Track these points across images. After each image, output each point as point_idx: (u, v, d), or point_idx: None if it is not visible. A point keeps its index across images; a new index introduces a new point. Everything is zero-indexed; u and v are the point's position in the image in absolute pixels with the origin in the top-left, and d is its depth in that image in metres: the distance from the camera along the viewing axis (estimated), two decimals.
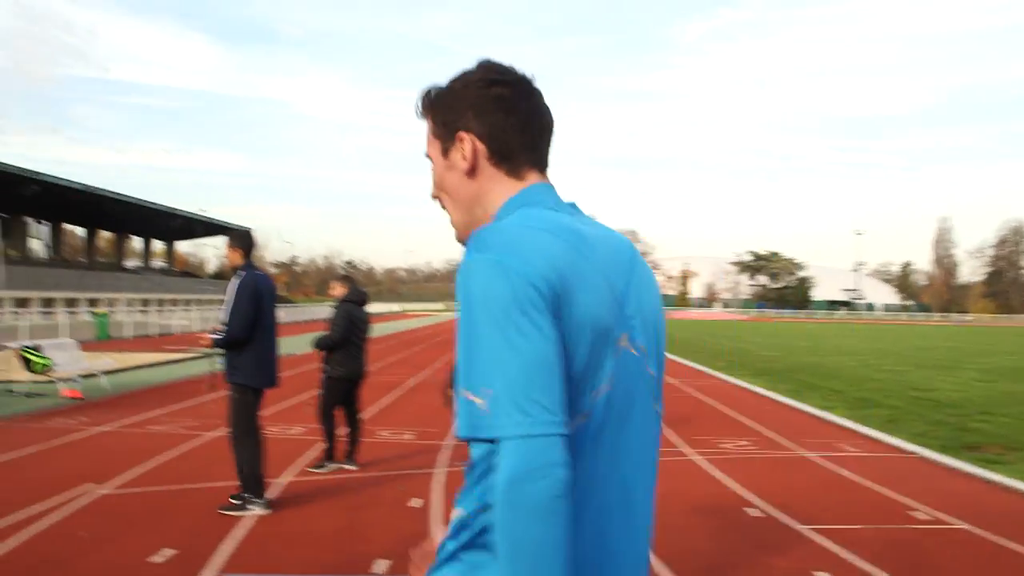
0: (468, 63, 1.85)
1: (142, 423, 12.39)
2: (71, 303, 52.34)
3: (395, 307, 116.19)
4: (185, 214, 67.89)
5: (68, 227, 74.34)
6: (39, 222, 69.42)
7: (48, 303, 50.52)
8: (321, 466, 9.29)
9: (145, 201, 61.86)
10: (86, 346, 21.98)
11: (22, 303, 47.48)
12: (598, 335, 1.62)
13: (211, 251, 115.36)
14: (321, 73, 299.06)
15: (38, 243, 70.79)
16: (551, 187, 1.83)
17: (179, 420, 12.78)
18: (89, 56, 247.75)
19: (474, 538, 1.61)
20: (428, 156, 1.90)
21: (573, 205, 1.84)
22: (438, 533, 1.79)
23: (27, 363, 15.26)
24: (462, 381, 1.55)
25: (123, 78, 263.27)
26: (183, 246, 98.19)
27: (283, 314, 70.88)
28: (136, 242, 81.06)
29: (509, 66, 1.85)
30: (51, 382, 15.80)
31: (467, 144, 1.80)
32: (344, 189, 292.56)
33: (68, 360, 16.22)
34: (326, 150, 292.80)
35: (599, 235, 1.75)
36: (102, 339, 35.82)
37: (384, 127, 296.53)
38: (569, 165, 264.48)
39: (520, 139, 1.80)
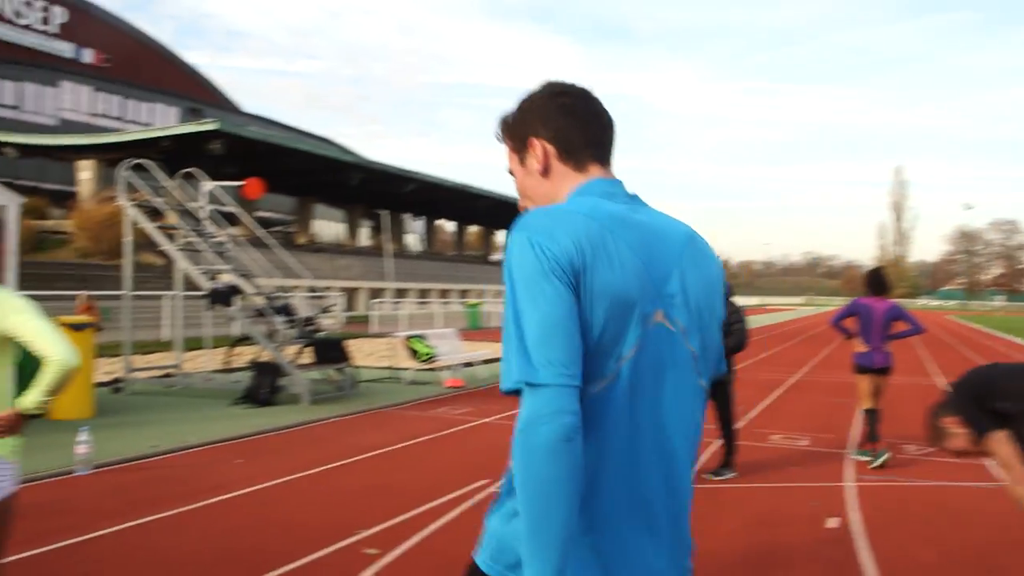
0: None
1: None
2: (443, 294, 55.31)
3: (753, 301, 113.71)
4: None
5: (439, 222, 78.92)
6: (415, 218, 74.15)
7: (423, 294, 53.66)
8: (719, 473, 8.67)
9: (510, 197, 64.19)
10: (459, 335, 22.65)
11: (401, 294, 50.68)
12: (620, 306, 1.82)
13: None
14: (676, 67, 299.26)
15: (413, 237, 75.68)
16: (613, 180, 2.04)
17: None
18: (454, 62, 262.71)
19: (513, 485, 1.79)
20: (510, 172, 2.14)
21: (635, 197, 2.02)
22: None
23: (413, 352, 15.80)
24: (503, 341, 1.81)
25: (487, 82, 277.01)
26: None
27: None
28: (501, 236, 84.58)
29: (570, 81, 2.11)
30: (433, 370, 16.29)
31: (538, 148, 2.05)
32: (701, 183, 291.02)
33: (449, 349, 16.67)
34: (683, 145, 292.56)
35: (648, 221, 1.95)
36: (473, 328, 37.27)
37: (739, 119, 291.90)
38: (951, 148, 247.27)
39: (582, 137, 2.04)
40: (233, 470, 8.67)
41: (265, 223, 48.28)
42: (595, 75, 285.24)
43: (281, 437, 10.57)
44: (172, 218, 15.23)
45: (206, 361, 18.35)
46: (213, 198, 14.98)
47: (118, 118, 58.17)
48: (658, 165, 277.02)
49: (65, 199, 43.29)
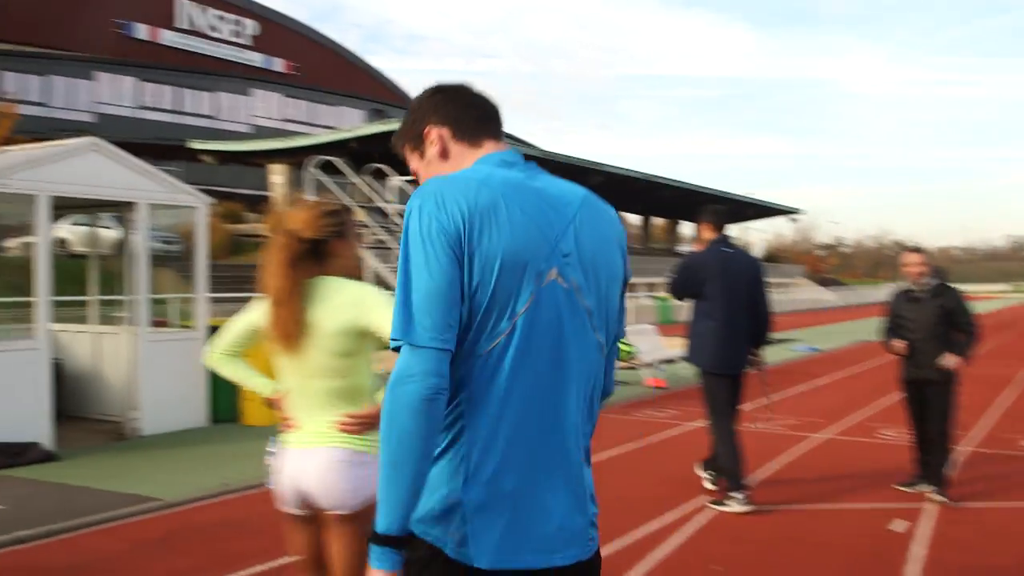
0: None
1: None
2: (630, 287, 54.27)
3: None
4: (735, 197, 67.60)
5: (624, 214, 77.71)
6: None
7: None
8: (911, 484, 7.46)
9: (696, 186, 62.48)
10: None
11: None
12: (511, 266, 1.97)
13: (756, 234, 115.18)
14: (865, 49, 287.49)
15: None
16: (509, 151, 2.20)
17: (774, 415, 11.45)
18: (635, 54, 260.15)
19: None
20: (414, 172, 2.28)
21: (531, 165, 2.17)
22: None
23: None
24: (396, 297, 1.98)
25: (666, 72, 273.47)
26: (731, 230, 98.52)
27: (832, 297, 68.51)
28: (687, 227, 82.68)
29: (449, 81, 2.32)
30: (633, 369, 15.34)
31: (433, 134, 2.23)
32: (892, 166, 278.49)
33: (649, 347, 15.68)
34: (873, 127, 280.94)
35: (543, 187, 2.11)
36: (663, 323, 36.09)
37: (931, 98, 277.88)
38: None
39: (471, 116, 2.24)
40: None
41: None
42: (777, 60, 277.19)
43: None
44: (360, 215, 14.84)
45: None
46: (402, 195, 14.49)
47: (307, 122, 59.58)
48: (844, 149, 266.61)
49: (259, 203, 44.48)
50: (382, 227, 13.35)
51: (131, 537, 6.31)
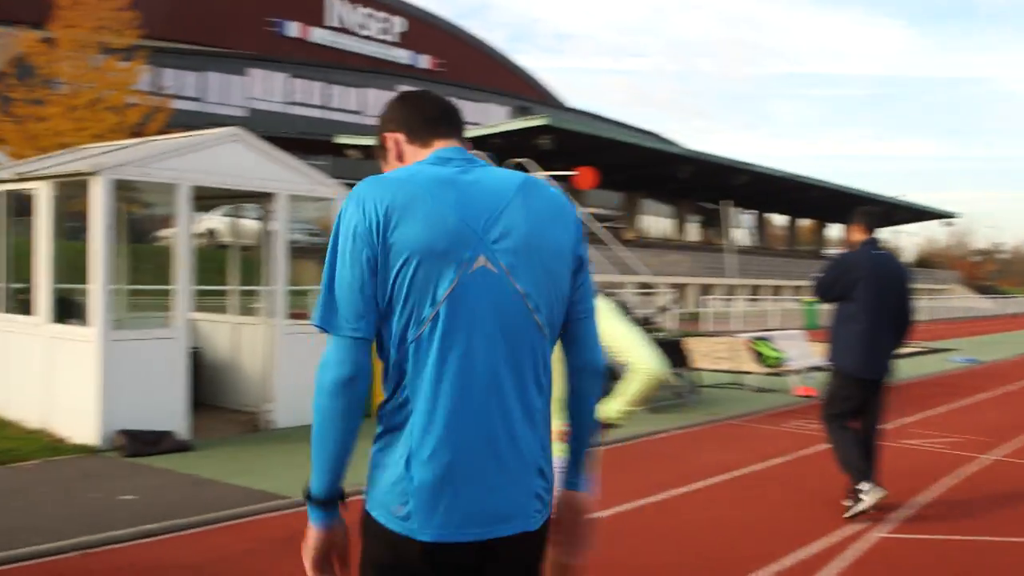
0: None
1: (895, 433, 10.43)
2: (775, 290, 52.79)
3: None
4: (887, 200, 65.12)
5: (769, 216, 75.78)
6: (744, 212, 71.70)
7: (754, 290, 51.40)
8: None
9: (846, 187, 60.46)
10: None
11: (731, 290, 48.75)
12: (429, 257, 2.12)
13: (907, 238, 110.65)
14: None
15: (743, 231, 73.25)
16: (451, 148, 2.34)
17: (932, 432, 10.64)
18: (784, 53, 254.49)
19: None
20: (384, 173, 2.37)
21: (470, 159, 2.31)
22: None
23: (759, 356, 14.22)
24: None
25: (816, 71, 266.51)
26: (881, 234, 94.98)
27: (989, 305, 65.23)
28: (834, 229, 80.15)
29: (410, 90, 2.55)
30: (779, 375, 14.62)
31: (390, 140, 2.44)
32: None
33: (798, 353, 14.92)
34: None
35: (475, 180, 2.24)
36: (810, 328, 34.83)
37: None
38: None
39: (420, 119, 2.41)
40: None
41: (598, 218, 47.95)
42: (930, 58, 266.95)
43: (619, 451, 9.42)
44: None
45: None
46: None
47: None
48: (1003, 151, 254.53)
49: None
50: None
51: (255, 536, 6.12)
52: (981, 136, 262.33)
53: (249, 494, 6.92)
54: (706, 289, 46.04)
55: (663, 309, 13.34)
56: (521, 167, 13.38)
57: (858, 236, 7.13)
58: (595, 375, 2.39)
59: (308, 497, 2.29)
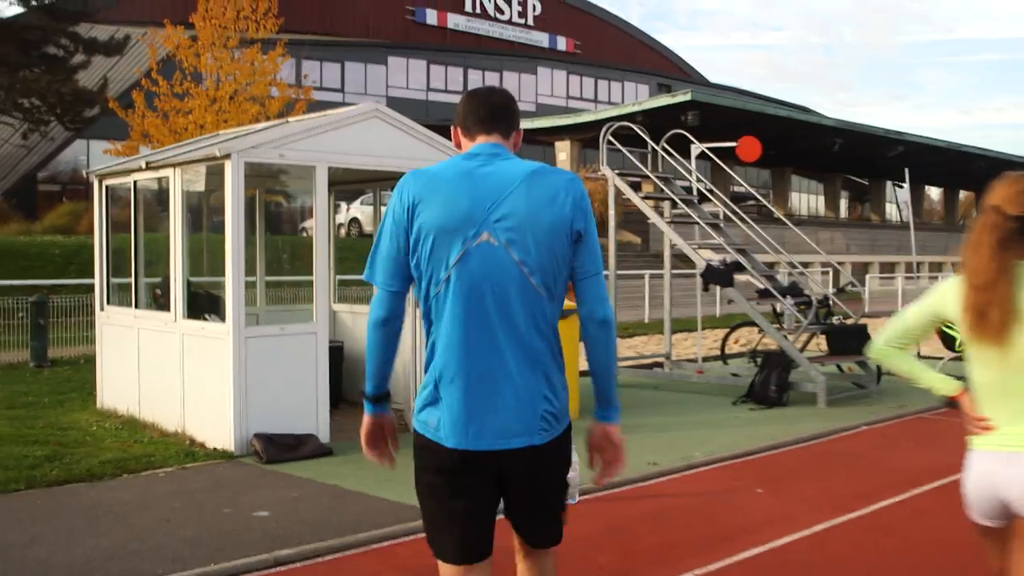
0: None
1: None
2: (935, 267, 50.04)
3: None
4: None
5: (926, 188, 72.20)
6: (898, 185, 68.50)
7: (912, 268, 48.81)
8: None
9: (1013, 155, 56.88)
10: None
11: (887, 268, 46.40)
12: (443, 234, 2.83)
13: None
14: None
15: (897, 206, 69.99)
16: (487, 143, 3.02)
17: None
18: (932, 19, 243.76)
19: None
20: None
21: (495, 155, 2.97)
22: None
23: (947, 339, 12.81)
24: None
25: (967, 36, 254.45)
26: None
27: None
28: None
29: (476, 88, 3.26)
30: (961, 359, 13.15)
31: (453, 133, 3.18)
32: None
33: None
34: None
35: (491, 171, 2.91)
36: None
37: None
38: None
39: (470, 117, 3.08)
40: (755, 503, 6.60)
41: (736, 198, 46.36)
42: None
43: (802, 453, 8.35)
44: (655, 189, 13.57)
45: (692, 347, 16.60)
46: (697, 171, 13.04)
47: (591, 99, 58.99)
48: None
49: None
50: (684, 201, 11.92)
51: (404, 564, 5.35)
52: None
53: (397, 510, 6.14)
54: (862, 268, 43.89)
55: (841, 290, 12.09)
56: (673, 144, 12.30)
57: None
58: (597, 324, 2.95)
59: (363, 395, 3.12)
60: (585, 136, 42.97)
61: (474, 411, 2.84)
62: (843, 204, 62.88)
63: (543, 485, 3.02)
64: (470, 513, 2.92)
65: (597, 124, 41.09)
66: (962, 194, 72.92)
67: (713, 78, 68.96)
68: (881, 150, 48.39)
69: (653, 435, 8.88)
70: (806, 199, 64.88)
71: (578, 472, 6.49)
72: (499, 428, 2.84)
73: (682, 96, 37.04)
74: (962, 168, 56.72)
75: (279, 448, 7.71)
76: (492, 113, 3.06)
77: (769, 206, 16.19)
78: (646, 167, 12.40)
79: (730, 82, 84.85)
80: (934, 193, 75.70)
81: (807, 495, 6.80)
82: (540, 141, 44.61)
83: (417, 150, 9.00)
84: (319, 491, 6.73)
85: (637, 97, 57.16)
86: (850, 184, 64.17)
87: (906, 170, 17.06)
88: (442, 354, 2.88)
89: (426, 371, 2.94)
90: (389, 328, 2.97)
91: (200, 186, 9.84)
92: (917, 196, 69.30)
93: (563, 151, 43.01)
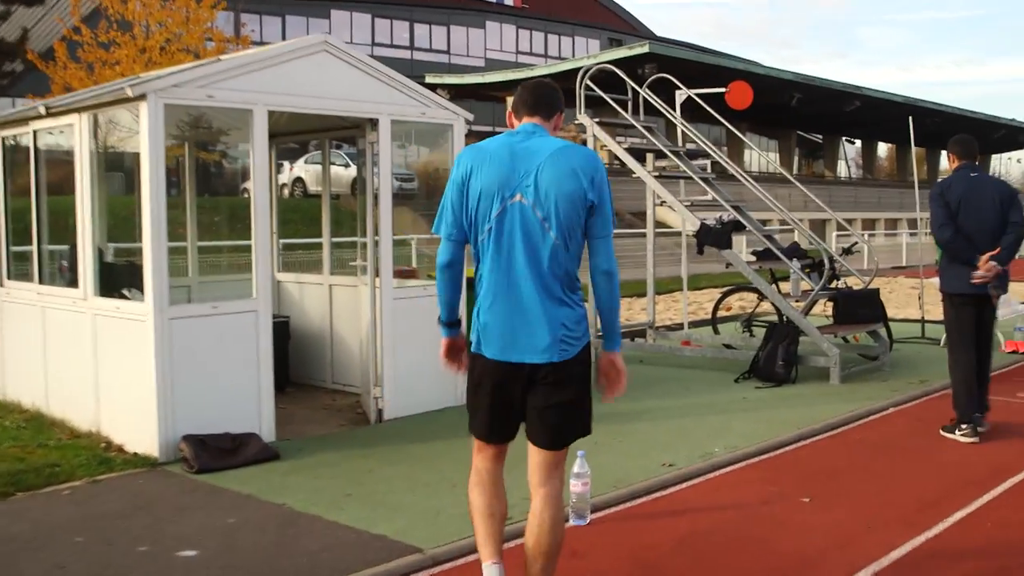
0: None
1: None
2: (889, 224, 49.51)
3: None
4: (1012, 123, 60.64)
5: (874, 145, 71.66)
6: (850, 141, 67.96)
7: (867, 225, 48.15)
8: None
9: (965, 111, 56.32)
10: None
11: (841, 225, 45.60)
12: (487, 194, 3.63)
13: (1016, 165, 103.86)
14: None
15: (847, 163, 69.46)
16: (528, 124, 3.82)
17: None
18: None
19: None
20: None
21: (533, 133, 3.76)
22: None
23: None
24: None
25: None
26: (999, 160, 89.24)
27: None
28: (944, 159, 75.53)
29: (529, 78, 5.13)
30: None
31: (508, 115, 3.95)
32: None
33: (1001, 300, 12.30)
34: None
35: (528, 145, 3.69)
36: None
37: None
38: None
39: (518, 101, 3.87)
40: (806, 518, 5.35)
41: (690, 155, 45.21)
42: None
43: (835, 444, 7.13)
44: (631, 140, 12.23)
45: (664, 312, 15.41)
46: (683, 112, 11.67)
47: (541, 55, 57.46)
48: None
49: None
50: (673, 152, 10.61)
51: None
52: None
53: (363, 544, 4.79)
54: (820, 225, 43.10)
55: (847, 251, 10.86)
56: (654, 90, 10.98)
57: (954, 163, 7.35)
58: (602, 274, 3.70)
59: (440, 321, 3.91)
60: None
61: (505, 333, 3.66)
62: (796, 161, 62.03)
63: (561, 391, 3.69)
64: (496, 406, 3.74)
65: (552, 78, 39.76)
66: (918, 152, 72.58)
67: (660, 34, 67.47)
68: (838, 105, 47.54)
69: (657, 423, 7.59)
70: (759, 157, 63.97)
71: (589, 487, 5.21)
72: (524, 346, 3.64)
73: (639, 48, 35.74)
74: (916, 124, 56.11)
75: (214, 453, 6.31)
76: (536, 100, 3.85)
77: (726, 162, 14.85)
78: (626, 114, 11.03)
79: (677, 38, 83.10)
80: (882, 150, 75.24)
81: (864, 505, 5.56)
82: (490, 97, 43.10)
83: (376, 91, 7.59)
84: (263, 515, 5.33)
85: (588, 52, 55.58)
86: (803, 141, 63.39)
87: (912, 126, 15.55)
88: (483, 288, 3.71)
89: (477, 298, 3.73)
90: (452, 271, 3.80)
91: (116, 137, 8.30)
92: (869, 153, 68.81)
93: None
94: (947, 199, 7.10)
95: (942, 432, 7.22)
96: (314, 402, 8.49)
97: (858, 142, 68.65)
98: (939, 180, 7.50)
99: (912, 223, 47.84)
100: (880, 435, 7.37)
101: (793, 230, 21.26)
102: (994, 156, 76.19)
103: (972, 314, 7.20)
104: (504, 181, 3.59)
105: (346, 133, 8.98)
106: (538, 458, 3.72)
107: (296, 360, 9.15)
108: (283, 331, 8.79)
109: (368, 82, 7.57)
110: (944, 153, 7.91)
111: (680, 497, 5.75)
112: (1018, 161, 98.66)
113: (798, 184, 14.70)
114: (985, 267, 6.88)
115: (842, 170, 69.00)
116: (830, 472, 6.30)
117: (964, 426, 7.06)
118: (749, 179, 11.41)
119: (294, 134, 9.71)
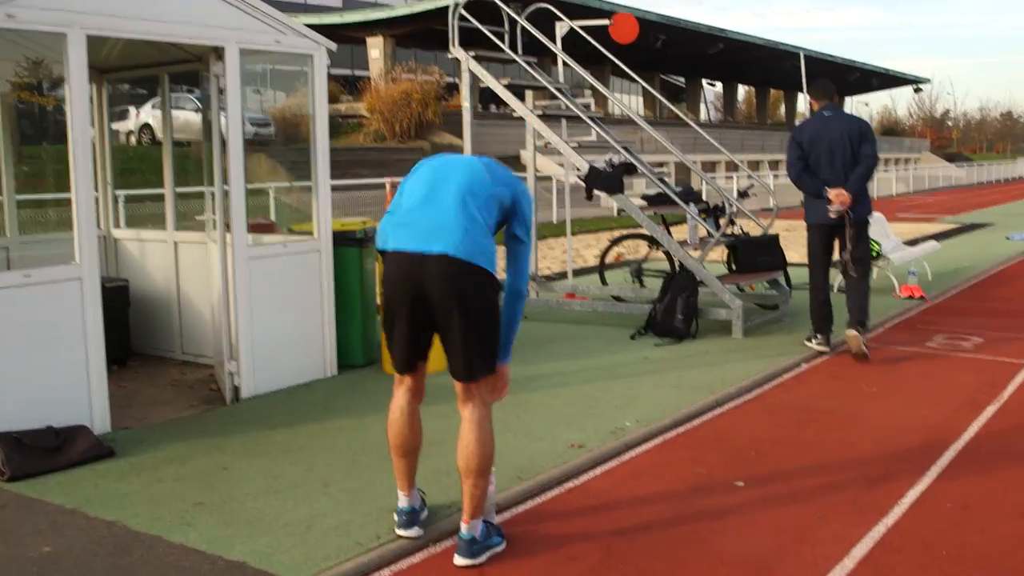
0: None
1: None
2: (752, 166, 49.95)
3: None
4: (865, 67, 61.92)
5: (734, 87, 72.42)
6: (711, 83, 68.45)
7: (730, 167, 48.46)
8: None
9: (823, 54, 57.11)
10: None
11: (708, 168, 45.79)
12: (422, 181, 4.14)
13: (874, 108, 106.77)
14: None
15: (709, 105, 69.98)
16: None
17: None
18: None
19: None
20: None
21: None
22: None
23: None
24: None
25: None
26: (847, 103, 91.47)
27: (960, 173, 62.42)
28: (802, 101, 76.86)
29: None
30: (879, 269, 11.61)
31: None
32: (1002, 35, 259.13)
33: (889, 244, 11.89)
34: None
35: (442, 160, 4.21)
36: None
37: None
38: None
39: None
40: (745, 510, 4.57)
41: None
42: None
43: (755, 410, 6.42)
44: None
45: (559, 265, 14.65)
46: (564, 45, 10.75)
47: None
48: (946, 19, 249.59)
49: (355, 83, 41.05)
50: (557, 89, 9.71)
51: None
52: (925, 3, 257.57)
53: (217, 575, 3.81)
54: (686, 168, 43.05)
55: (743, 194, 10.19)
56: (536, 20, 10.02)
57: (815, 106, 7.98)
58: (513, 240, 4.13)
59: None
60: (399, 31, 40.03)
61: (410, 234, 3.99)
62: (660, 104, 62.11)
63: (461, 309, 3.88)
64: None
65: (412, 19, 38.33)
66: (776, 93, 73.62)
67: None
68: (701, 47, 47.49)
69: (557, 393, 6.75)
70: (624, 100, 63.77)
71: (494, 485, 4.32)
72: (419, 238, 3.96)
73: None
74: (771, 68, 56.69)
75: (31, 455, 5.17)
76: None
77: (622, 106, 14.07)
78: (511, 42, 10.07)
79: None
80: (740, 93, 76.16)
81: (806, 489, 4.84)
82: (349, 38, 41.36)
83: (222, 15, 6.42)
84: (91, 538, 4.25)
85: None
86: (665, 84, 63.47)
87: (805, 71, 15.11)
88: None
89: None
90: None
91: None
92: (730, 96, 69.44)
93: (375, 48, 39.97)
94: (798, 140, 7.79)
95: (805, 343, 8.12)
96: (161, 377, 7.35)
97: (719, 84, 69.14)
98: (795, 127, 8.03)
99: (773, 164, 48.49)
100: (800, 397, 6.70)
101: (669, 174, 20.78)
102: (847, 99, 77.98)
103: (823, 241, 7.87)
104: (437, 179, 4.12)
105: (189, 67, 7.75)
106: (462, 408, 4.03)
107: (139, 329, 7.98)
108: (121, 297, 7.61)
109: (212, 3, 6.39)
110: (800, 96, 7.96)
111: (596, 488, 4.91)
112: (865, 104, 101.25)
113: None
114: (837, 198, 7.51)
115: (703, 113, 69.53)
116: (758, 446, 5.57)
117: (818, 336, 8.00)
118: (644, 121, 10.57)
119: (128, 68, 8.39)
